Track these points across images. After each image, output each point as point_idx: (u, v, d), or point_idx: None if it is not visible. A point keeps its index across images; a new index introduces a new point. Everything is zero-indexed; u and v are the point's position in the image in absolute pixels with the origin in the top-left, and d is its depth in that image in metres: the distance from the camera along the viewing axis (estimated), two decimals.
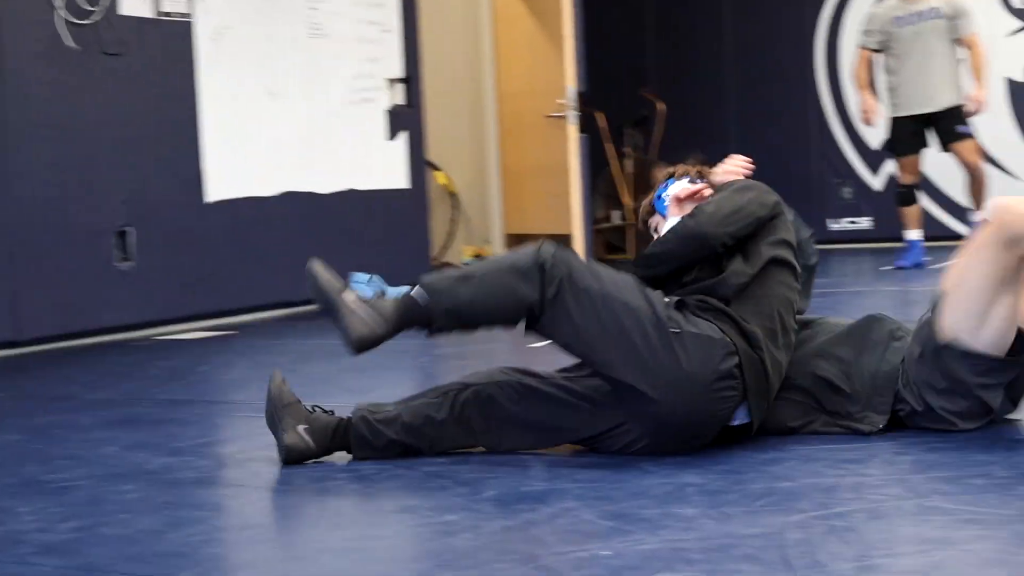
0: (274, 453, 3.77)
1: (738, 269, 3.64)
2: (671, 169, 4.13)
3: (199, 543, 3.01)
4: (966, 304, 3.52)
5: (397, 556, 2.83)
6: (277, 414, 3.73)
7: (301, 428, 3.70)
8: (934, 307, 3.63)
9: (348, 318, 3.54)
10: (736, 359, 3.45)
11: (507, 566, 2.65)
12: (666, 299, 3.55)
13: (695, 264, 3.70)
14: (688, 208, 3.84)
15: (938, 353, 3.56)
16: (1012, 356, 3.53)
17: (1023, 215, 3.45)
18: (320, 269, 3.69)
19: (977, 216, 8.80)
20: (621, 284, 3.51)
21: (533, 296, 3.44)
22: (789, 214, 3.90)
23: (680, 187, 3.99)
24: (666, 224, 3.91)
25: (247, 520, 3.33)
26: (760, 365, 3.51)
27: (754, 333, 3.52)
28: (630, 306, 3.44)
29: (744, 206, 3.72)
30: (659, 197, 4.04)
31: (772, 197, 3.83)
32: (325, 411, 3.80)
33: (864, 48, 9.22)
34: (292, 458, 3.69)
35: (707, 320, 3.51)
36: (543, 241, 3.55)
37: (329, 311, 3.61)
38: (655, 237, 3.97)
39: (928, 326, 3.63)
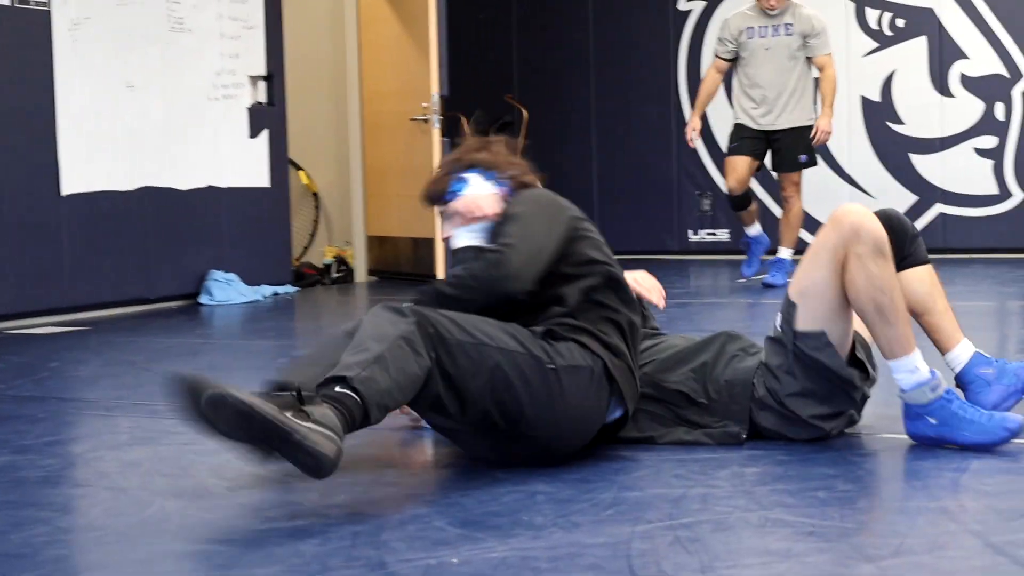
0: (125, 452, 3.71)
1: (557, 311, 3.57)
2: (478, 153, 3.94)
3: (42, 544, 2.96)
4: (815, 310, 3.63)
5: (244, 561, 2.82)
6: (277, 426, 2.94)
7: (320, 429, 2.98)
8: (784, 316, 3.72)
9: (310, 439, 2.91)
10: (606, 372, 3.51)
11: (356, 572, 2.66)
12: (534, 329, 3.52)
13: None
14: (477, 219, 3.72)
15: (797, 352, 3.65)
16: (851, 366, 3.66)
17: (858, 212, 3.62)
18: (233, 392, 2.94)
19: (783, 253, 8.75)
20: (489, 331, 3.38)
21: (427, 364, 3.23)
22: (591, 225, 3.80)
23: (479, 196, 3.80)
24: (456, 233, 3.76)
25: (93, 521, 3.27)
26: (628, 371, 3.58)
27: (615, 345, 3.56)
28: (505, 351, 3.36)
29: (546, 245, 3.57)
30: (453, 191, 3.84)
31: (572, 222, 3.71)
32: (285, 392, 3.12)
33: (717, 56, 8.97)
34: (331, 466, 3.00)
35: (574, 340, 3.51)
36: (407, 305, 3.35)
37: (277, 440, 2.94)
38: (445, 231, 3.83)
39: (782, 333, 3.71)
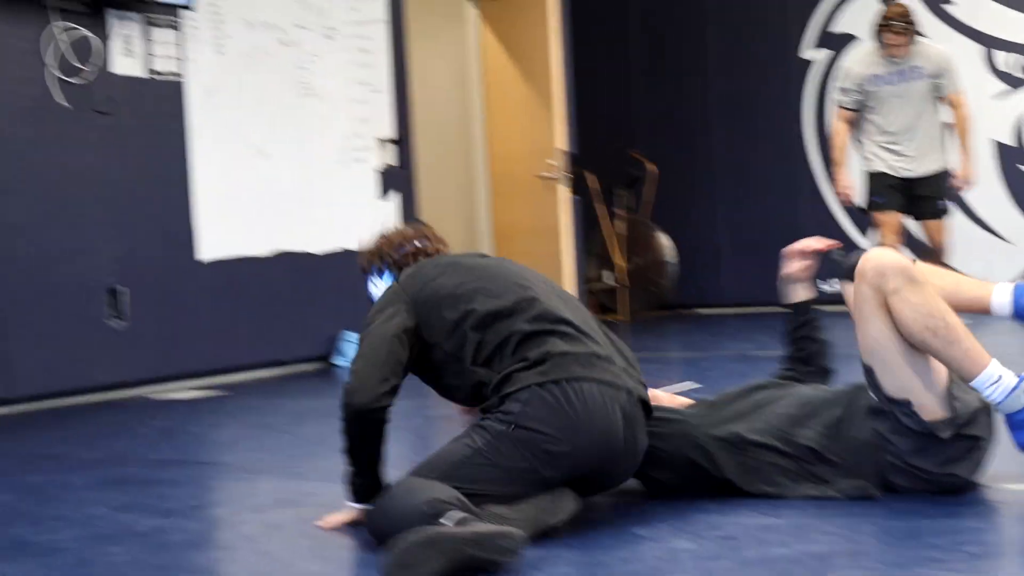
0: (268, 515, 3.73)
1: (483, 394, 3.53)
2: (369, 252, 4.00)
3: None
4: (890, 364, 3.56)
5: None
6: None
7: None
8: (869, 383, 3.65)
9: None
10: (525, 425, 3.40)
11: None
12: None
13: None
14: None
15: (895, 415, 3.58)
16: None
17: (874, 254, 3.59)
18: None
19: None
20: (440, 461, 3.42)
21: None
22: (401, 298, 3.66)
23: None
24: None
25: None
26: (544, 406, 3.41)
27: (514, 395, 3.43)
28: (468, 464, 3.37)
29: (379, 345, 3.53)
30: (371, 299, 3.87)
31: (405, 300, 3.62)
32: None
33: (841, 107, 8.67)
34: None
35: (492, 418, 3.44)
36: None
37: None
38: None
39: (876, 400, 3.63)
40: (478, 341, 3.54)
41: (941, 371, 3.58)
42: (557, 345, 3.49)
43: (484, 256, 3.94)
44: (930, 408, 3.54)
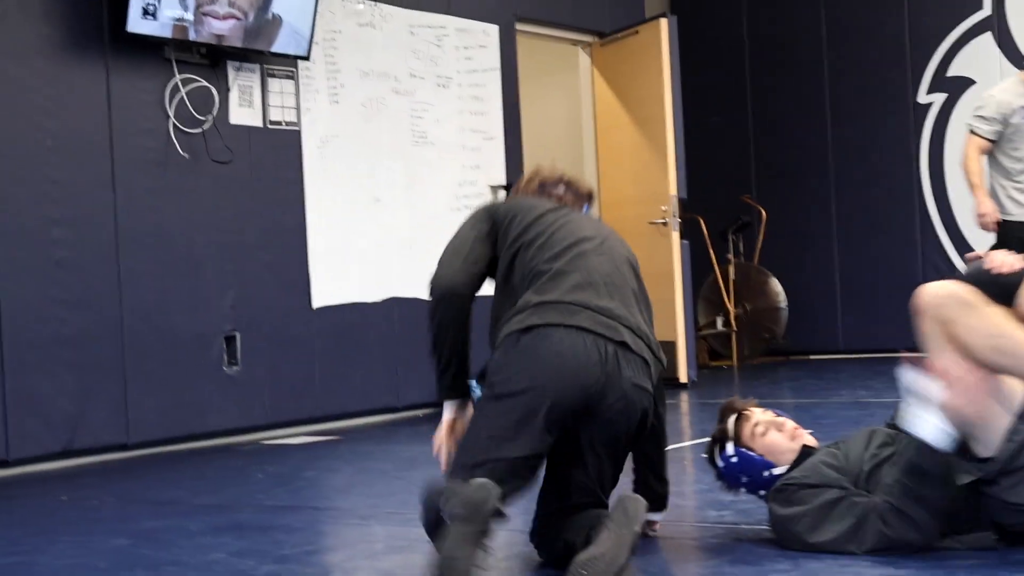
0: (381, 561, 3.74)
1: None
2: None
3: None
4: (966, 394, 3.47)
5: None
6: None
7: None
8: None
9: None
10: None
11: None
12: None
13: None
14: None
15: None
16: None
17: (922, 290, 3.54)
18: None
19: None
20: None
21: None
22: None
23: None
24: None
25: None
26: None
27: (498, 346, 3.69)
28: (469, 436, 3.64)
29: (458, 244, 3.87)
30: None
31: (488, 212, 3.95)
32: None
33: (976, 135, 7.87)
34: None
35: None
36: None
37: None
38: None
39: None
40: (509, 271, 3.77)
41: (1013, 400, 3.49)
42: (548, 293, 3.59)
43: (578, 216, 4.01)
44: (987, 443, 3.46)
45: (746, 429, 3.96)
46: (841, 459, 3.79)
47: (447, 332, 3.71)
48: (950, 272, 10.98)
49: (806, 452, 3.90)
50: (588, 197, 4.19)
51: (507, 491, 3.29)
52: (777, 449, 3.92)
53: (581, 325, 3.51)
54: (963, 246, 10.97)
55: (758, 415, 4.00)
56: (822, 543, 3.61)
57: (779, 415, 4.03)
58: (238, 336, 7.66)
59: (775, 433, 3.94)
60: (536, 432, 3.42)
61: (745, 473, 3.93)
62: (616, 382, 3.50)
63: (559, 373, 3.45)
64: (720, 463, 3.99)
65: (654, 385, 3.65)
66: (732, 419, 4.01)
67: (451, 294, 3.70)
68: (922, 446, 3.48)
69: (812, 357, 11.70)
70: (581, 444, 3.55)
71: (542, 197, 4.07)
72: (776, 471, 3.87)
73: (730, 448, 3.97)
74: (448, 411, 3.77)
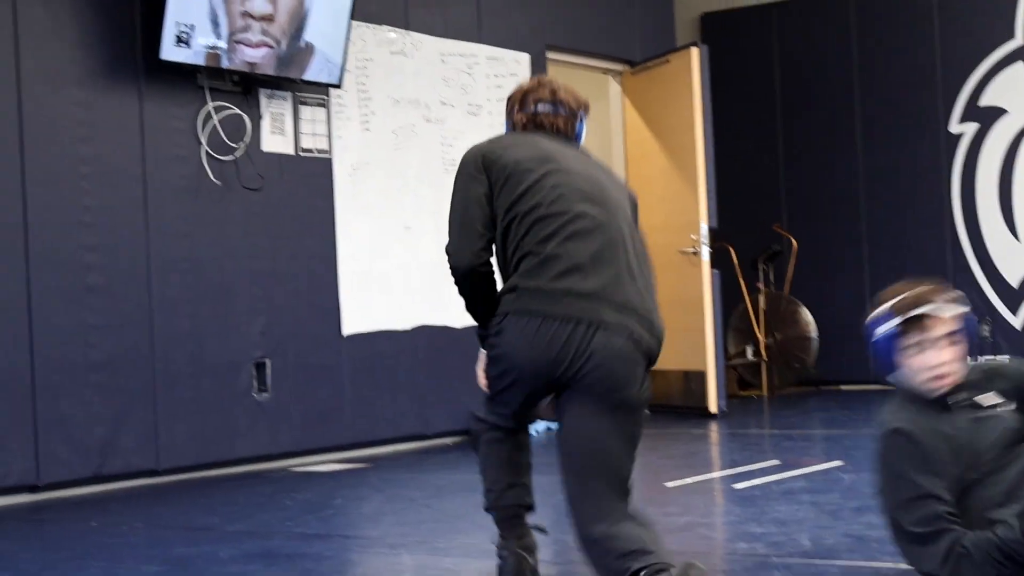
0: None
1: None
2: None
3: None
4: None
5: None
6: None
7: None
8: None
9: None
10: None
11: None
12: None
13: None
14: None
15: None
16: None
17: None
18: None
19: None
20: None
21: None
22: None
23: None
24: None
25: None
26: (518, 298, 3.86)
27: (497, 317, 3.94)
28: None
29: (456, 216, 4.00)
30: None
31: (474, 172, 3.98)
32: None
33: None
34: None
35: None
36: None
37: None
38: None
39: None
40: (503, 242, 3.91)
41: None
42: (535, 279, 3.75)
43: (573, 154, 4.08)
44: None
45: (911, 336, 3.66)
46: (964, 441, 3.57)
47: (475, 302, 4.02)
48: (982, 304, 10.94)
49: (942, 400, 3.65)
50: (584, 109, 4.24)
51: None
52: (921, 377, 3.67)
53: (561, 313, 3.69)
54: (995, 277, 10.94)
55: (938, 330, 3.66)
56: (897, 540, 3.60)
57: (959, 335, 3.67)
58: (268, 363, 7.67)
59: (934, 354, 3.64)
60: (524, 393, 3.87)
61: (880, 359, 3.73)
62: (586, 354, 3.66)
63: (533, 363, 3.72)
64: (871, 331, 3.74)
65: (645, 354, 3.74)
66: (915, 313, 3.66)
67: (471, 272, 3.96)
68: None
69: (843, 387, 11.65)
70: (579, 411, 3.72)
71: (536, 128, 4.15)
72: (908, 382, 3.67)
73: (883, 334, 3.70)
74: (483, 354, 4.04)
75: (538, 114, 4.16)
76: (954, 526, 3.49)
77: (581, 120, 4.19)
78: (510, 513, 4.12)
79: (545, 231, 3.78)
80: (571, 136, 4.16)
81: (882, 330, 3.61)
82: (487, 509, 4.15)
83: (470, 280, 3.97)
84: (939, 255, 11.31)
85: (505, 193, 3.88)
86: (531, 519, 4.11)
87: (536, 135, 4.09)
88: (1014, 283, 10.79)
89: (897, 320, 3.58)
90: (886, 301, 3.69)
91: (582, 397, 3.66)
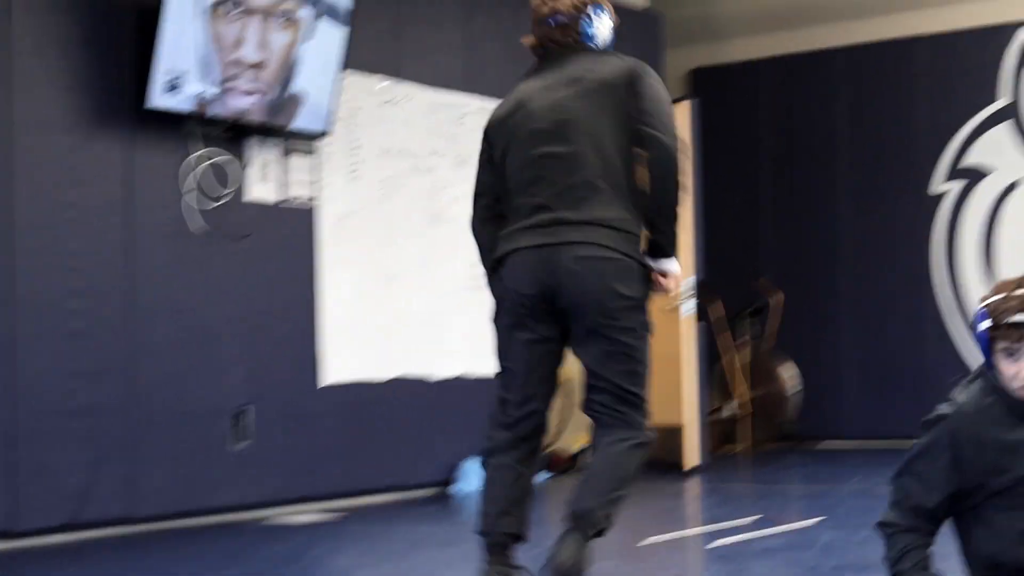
0: None
1: None
2: None
3: None
4: None
5: None
6: None
7: None
8: None
9: None
10: None
11: None
12: None
13: None
14: None
15: None
16: None
17: None
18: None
19: None
20: None
21: None
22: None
23: None
24: None
25: None
26: None
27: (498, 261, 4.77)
28: None
29: (477, 176, 4.73)
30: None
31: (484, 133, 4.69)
32: None
33: None
34: None
35: None
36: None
37: None
38: None
39: None
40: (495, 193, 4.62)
41: None
42: (514, 220, 4.48)
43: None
44: None
45: (1002, 341, 3.41)
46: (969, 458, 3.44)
47: (483, 253, 4.65)
48: (958, 365, 10.96)
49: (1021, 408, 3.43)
50: (590, 5, 4.48)
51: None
52: (1008, 382, 3.44)
53: (528, 244, 4.35)
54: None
55: None
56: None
57: None
58: (249, 412, 7.66)
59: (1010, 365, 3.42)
60: (524, 331, 4.48)
61: (979, 349, 3.52)
62: (558, 266, 4.28)
63: (517, 285, 4.40)
64: (976, 320, 3.50)
65: (619, 239, 4.31)
66: (1008, 320, 3.39)
67: (476, 232, 4.66)
68: None
69: (824, 443, 11.66)
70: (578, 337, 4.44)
71: (542, 49, 4.51)
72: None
73: (979, 330, 3.46)
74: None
75: (540, 34, 4.48)
76: (909, 537, 3.51)
77: (587, 18, 4.35)
78: (499, 540, 4.19)
79: (523, 178, 4.44)
80: (575, 42, 4.41)
81: (979, 326, 3.50)
82: (479, 532, 4.20)
83: (476, 237, 4.68)
84: (920, 313, 11.35)
85: (505, 165, 4.50)
86: (521, 552, 4.17)
87: (527, 78, 4.56)
88: None
89: (989, 322, 3.45)
90: (994, 295, 3.46)
91: (571, 308, 4.44)
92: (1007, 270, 10.62)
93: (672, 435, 9.68)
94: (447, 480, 8.69)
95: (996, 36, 11.11)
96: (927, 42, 11.40)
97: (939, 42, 11.35)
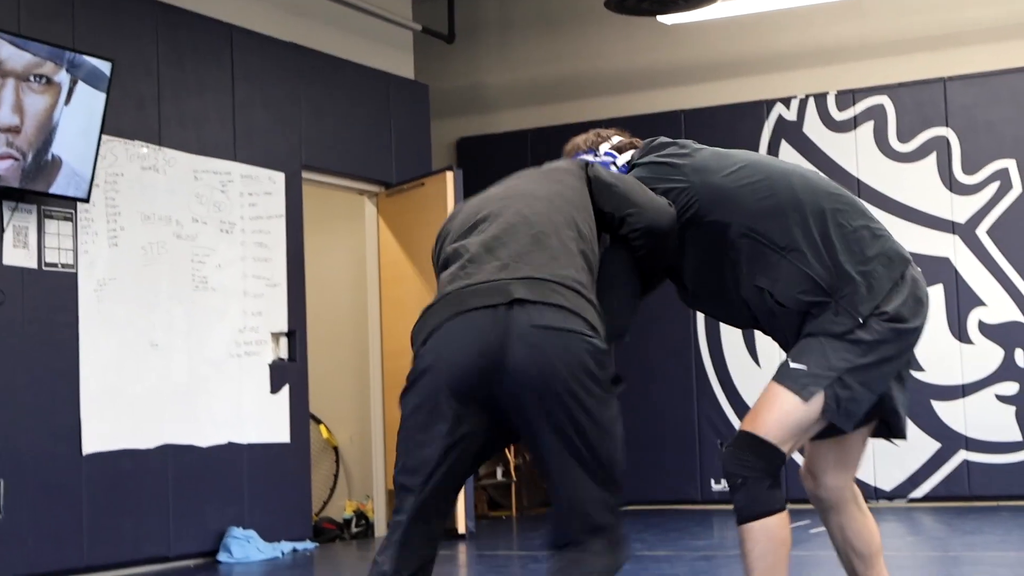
0: None
1: None
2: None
3: None
4: None
5: None
6: None
7: None
8: None
9: None
10: None
11: None
12: None
13: None
14: None
15: None
16: None
17: None
18: None
19: None
20: None
21: None
22: None
23: None
24: None
25: None
26: None
27: None
28: None
29: None
30: None
31: None
32: None
33: None
34: None
35: None
36: None
37: None
38: None
39: None
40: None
41: None
42: (450, 282, 3.71)
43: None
44: None
45: None
46: None
47: None
48: (725, 427, 11.24)
49: None
50: (590, 145, 4.54)
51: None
52: None
53: (467, 307, 3.56)
54: (737, 402, 11.25)
55: None
56: None
57: None
58: (2, 484, 7.41)
59: None
60: (443, 418, 3.56)
61: None
62: (512, 333, 3.50)
63: (450, 352, 3.57)
64: None
65: (584, 306, 3.68)
66: None
67: None
68: None
69: None
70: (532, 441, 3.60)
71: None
72: None
73: None
74: None
75: None
76: None
77: (587, 152, 4.49)
78: None
79: (453, 240, 3.95)
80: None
81: None
82: None
83: None
84: (684, 374, 11.59)
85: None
86: None
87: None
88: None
89: None
90: None
91: (518, 401, 3.67)
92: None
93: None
94: (213, 550, 8.53)
95: (753, 111, 11.52)
96: (690, 115, 11.75)
97: (701, 116, 11.70)
